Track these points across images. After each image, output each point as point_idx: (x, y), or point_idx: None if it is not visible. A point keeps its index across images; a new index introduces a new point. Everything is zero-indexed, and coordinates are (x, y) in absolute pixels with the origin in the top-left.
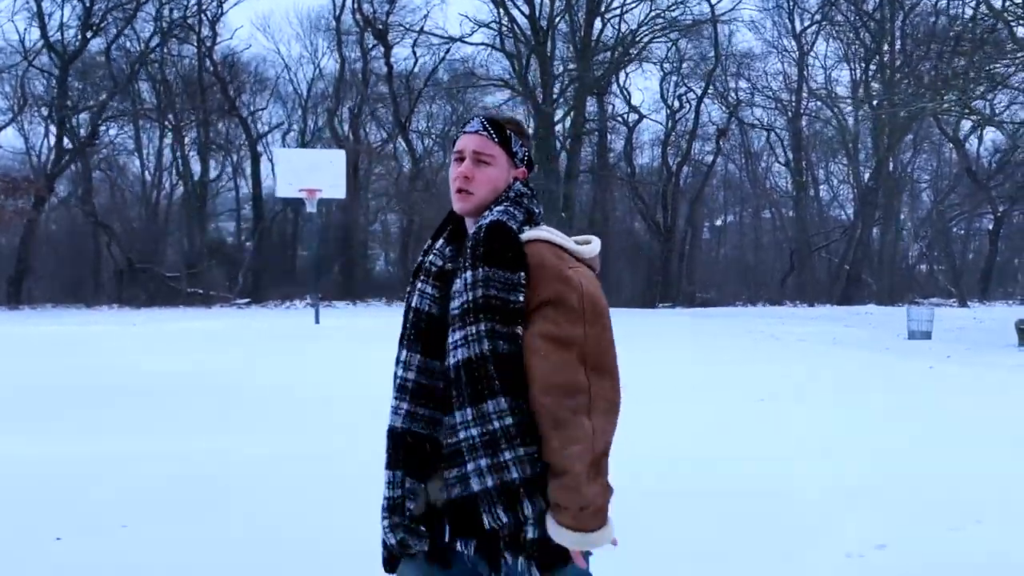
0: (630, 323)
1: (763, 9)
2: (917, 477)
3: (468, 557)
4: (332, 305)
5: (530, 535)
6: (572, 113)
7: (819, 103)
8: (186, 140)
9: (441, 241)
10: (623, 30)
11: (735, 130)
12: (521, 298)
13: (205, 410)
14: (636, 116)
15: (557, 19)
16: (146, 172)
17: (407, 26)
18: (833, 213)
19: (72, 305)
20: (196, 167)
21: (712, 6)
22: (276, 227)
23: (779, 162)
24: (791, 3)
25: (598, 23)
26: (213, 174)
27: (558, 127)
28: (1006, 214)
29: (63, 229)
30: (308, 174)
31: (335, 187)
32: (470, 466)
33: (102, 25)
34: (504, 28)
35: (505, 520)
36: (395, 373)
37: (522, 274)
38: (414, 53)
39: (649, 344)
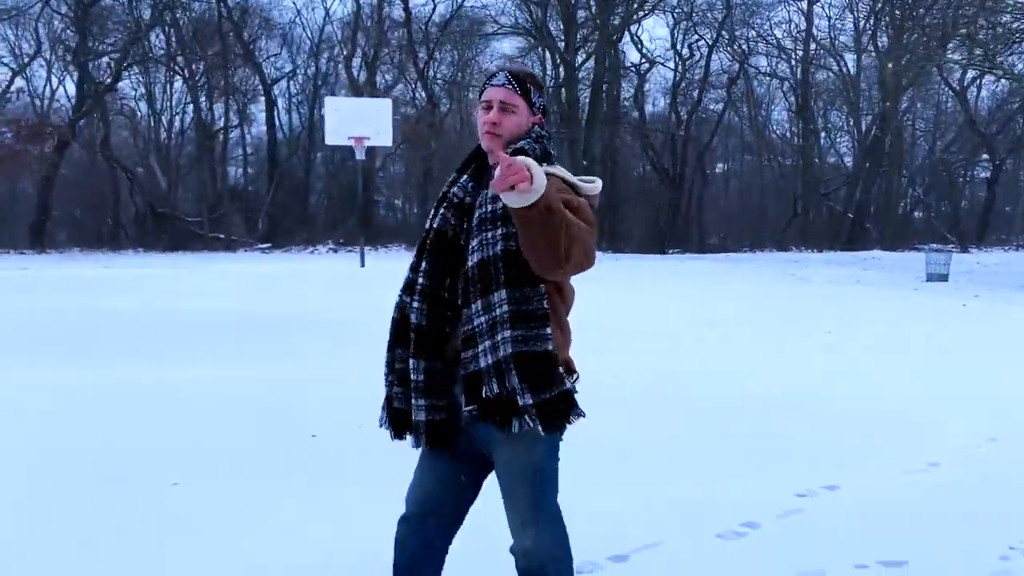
0: (660, 268)
1: None
2: (999, 398)
3: (478, 424)
4: (353, 250)
5: (523, 402)
6: (594, 61)
7: (823, 51)
8: (200, 85)
9: (465, 176)
10: None
11: (741, 79)
12: None
13: (317, 343)
14: (647, 64)
15: None
16: (161, 118)
17: None
18: (830, 160)
19: (97, 250)
20: (212, 113)
21: None
22: (289, 173)
23: (789, 111)
24: None
25: None
26: (229, 119)
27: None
28: (1003, 163)
29: (80, 175)
30: (357, 122)
31: (382, 135)
32: (479, 347)
33: None
34: None
35: (496, 391)
36: (410, 279)
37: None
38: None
39: (701, 287)
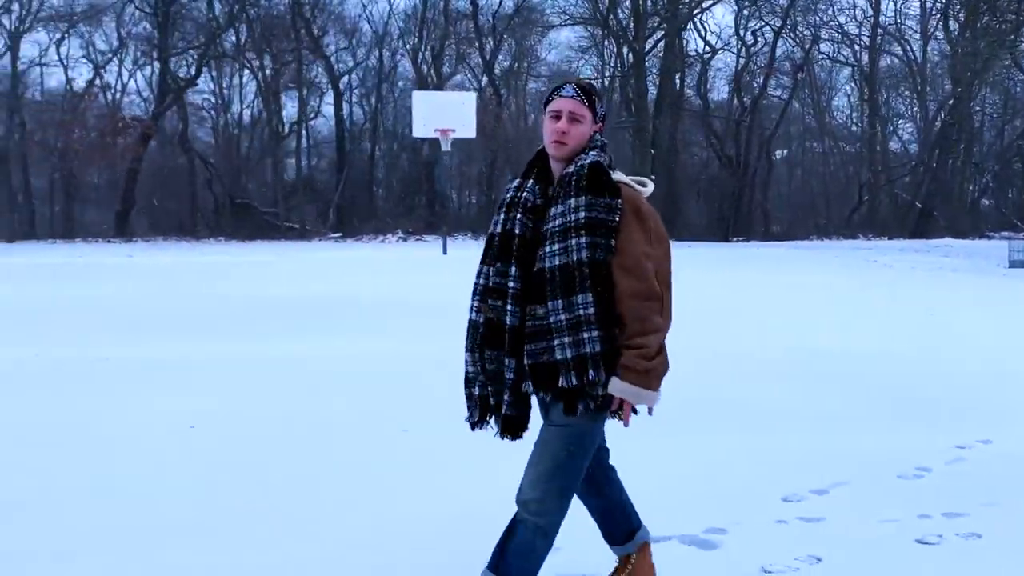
0: (737, 256)
1: None
2: None
3: (546, 402)
4: (424, 239)
5: (599, 392)
6: (664, 50)
7: (889, 37)
8: (270, 79)
9: (531, 181)
10: None
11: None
12: (617, 218)
13: (432, 322)
14: (710, 52)
15: None
16: (230, 112)
17: None
18: (893, 147)
19: (179, 238)
20: (283, 106)
21: None
22: (356, 164)
23: (855, 98)
24: None
25: None
26: (294, 112)
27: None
28: None
29: (159, 166)
30: (442, 115)
31: (466, 127)
32: (555, 341)
33: None
34: None
35: (575, 383)
36: (498, 284)
37: (619, 200)
38: None
39: (794, 274)
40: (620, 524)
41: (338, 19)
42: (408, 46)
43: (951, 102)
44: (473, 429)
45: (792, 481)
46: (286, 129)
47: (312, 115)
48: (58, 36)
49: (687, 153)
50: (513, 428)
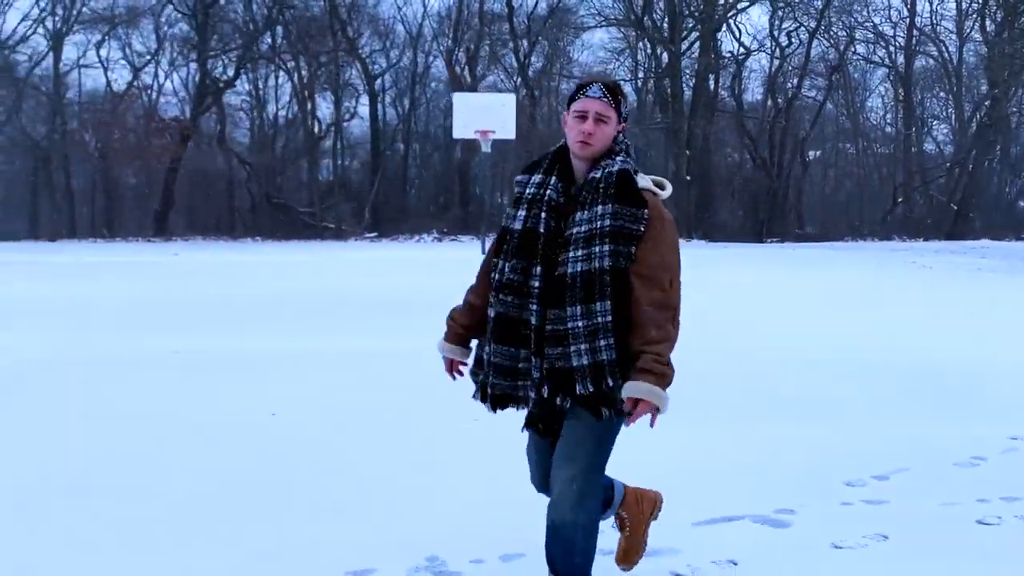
0: (776, 256)
1: None
2: None
3: (564, 409)
4: (458, 239)
5: (614, 395)
6: (699, 52)
7: (924, 38)
8: (306, 81)
9: (553, 179)
10: None
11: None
12: (642, 228)
13: None
14: (744, 52)
15: None
16: (265, 113)
17: None
18: (927, 148)
19: (216, 238)
20: (315, 107)
21: None
22: (390, 164)
23: (893, 99)
24: None
25: None
26: (328, 113)
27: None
28: None
29: (196, 167)
30: (482, 116)
31: (506, 129)
32: (572, 348)
33: None
34: None
35: (591, 389)
36: (519, 281)
37: (646, 211)
38: None
39: (835, 274)
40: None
41: (372, 20)
42: (442, 48)
43: (987, 103)
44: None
45: (852, 468)
46: (322, 130)
47: (348, 116)
48: (98, 38)
49: (721, 154)
50: (542, 424)
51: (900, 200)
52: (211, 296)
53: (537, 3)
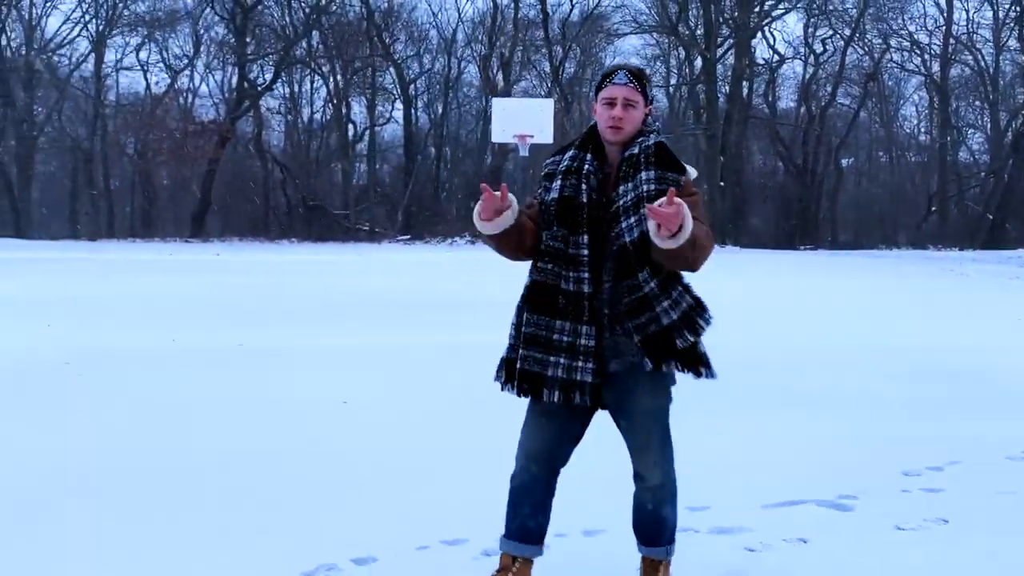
0: (813, 263)
1: None
2: None
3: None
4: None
5: (702, 349)
6: (734, 58)
7: (960, 46)
8: (341, 85)
9: (588, 155)
10: None
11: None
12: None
13: None
14: (778, 59)
15: None
16: (300, 116)
17: None
18: (963, 158)
19: (252, 239)
20: (353, 111)
21: None
22: (423, 168)
23: (928, 108)
24: None
25: None
26: (362, 117)
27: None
28: None
29: (232, 169)
30: (521, 121)
31: (544, 133)
32: (658, 308)
33: None
34: None
35: (691, 339)
36: (562, 249)
37: (684, 177)
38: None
39: (882, 281)
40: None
41: (407, 26)
42: (476, 53)
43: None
44: (502, 389)
45: (909, 459)
46: (357, 133)
47: (384, 120)
48: (138, 40)
49: (753, 160)
50: (594, 396)
51: (934, 209)
52: (262, 294)
53: (572, 9)
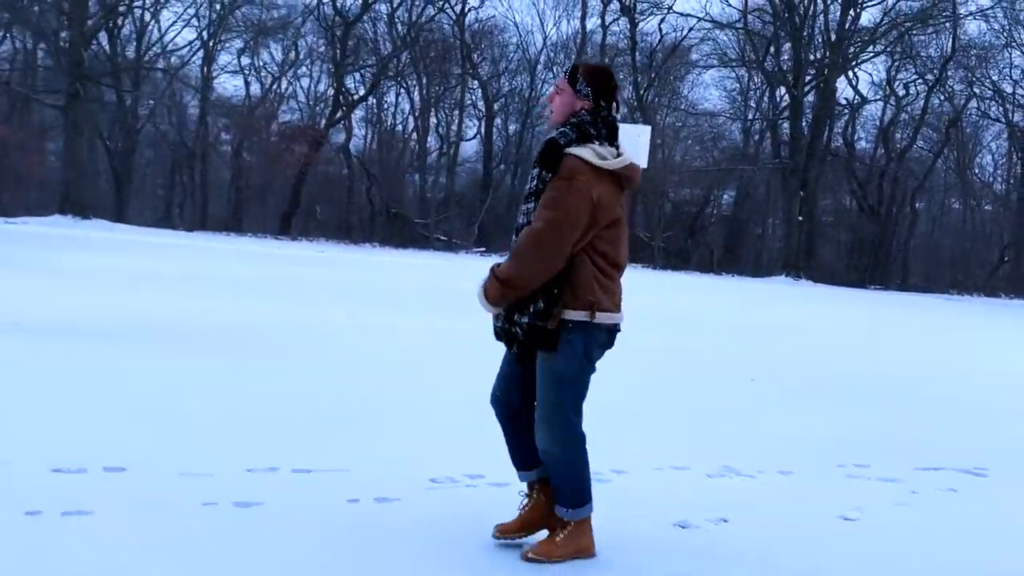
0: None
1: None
2: None
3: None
4: None
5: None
6: (817, 98)
7: None
8: (429, 99)
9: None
10: (864, 20)
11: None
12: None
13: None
14: (860, 100)
15: (811, 4)
16: (386, 125)
17: (656, 2)
18: None
19: (339, 241)
20: (439, 124)
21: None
22: (501, 184)
23: (1007, 157)
24: None
25: (851, 12)
26: (446, 130)
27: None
28: None
29: (321, 173)
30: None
31: (640, 157)
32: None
33: None
34: (754, 13)
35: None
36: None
37: (551, 175)
38: (660, 30)
39: (997, 329)
40: (532, 456)
41: (494, 46)
42: (557, 76)
43: None
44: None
45: None
46: (447, 146)
47: (467, 136)
48: (241, 45)
49: (830, 198)
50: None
51: (1008, 259)
52: (382, 284)
53: (661, 39)
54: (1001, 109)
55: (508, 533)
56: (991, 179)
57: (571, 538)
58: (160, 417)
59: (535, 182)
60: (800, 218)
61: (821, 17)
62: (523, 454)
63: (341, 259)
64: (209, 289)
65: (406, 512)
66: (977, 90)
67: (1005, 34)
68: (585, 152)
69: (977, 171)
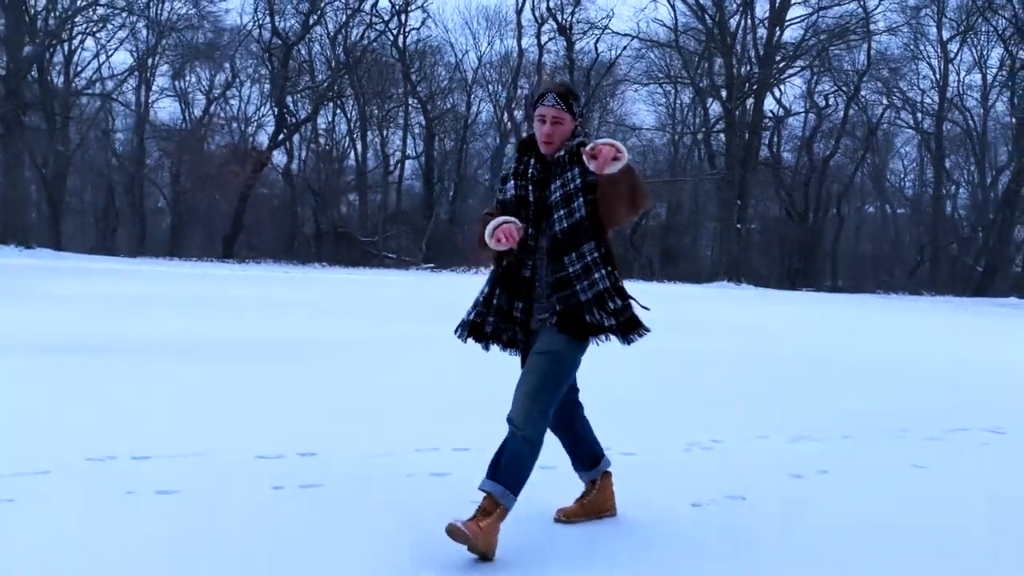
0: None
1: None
2: None
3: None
4: None
5: (608, 323)
6: (752, 112)
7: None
8: (371, 119)
9: (531, 159)
10: (788, 36)
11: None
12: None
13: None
14: (783, 113)
15: (740, 22)
16: (329, 146)
17: (592, 22)
18: (954, 209)
19: (285, 262)
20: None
21: (867, 14)
22: (442, 202)
23: (918, 162)
24: (938, 10)
25: (777, 29)
26: (388, 150)
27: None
28: None
29: (263, 193)
30: None
31: None
32: (577, 287)
33: (322, 17)
34: (684, 31)
35: (598, 317)
36: (528, 242)
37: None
38: (596, 49)
39: (946, 324)
40: (587, 454)
41: (435, 66)
42: (491, 94)
43: (1012, 167)
44: (464, 341)
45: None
46: (390, 165)
47: (413, 155)
48: (176, 68)
49: (757, 207)
50: (522, 350)
51: (925, 260)
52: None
53: (597, 58)
54: (911, 117)
55: (572, 516)
56: (901, 183)
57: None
58: (249, 411)
59: (577, 180)
60: (739, 226)
61: (750, 35)
62: (587, 451)
63: (321, 279)
64: (231, 308)
65: (459, 486)
66: (886, 100)
67: (912, 47)
68: None
69: (890, 176)
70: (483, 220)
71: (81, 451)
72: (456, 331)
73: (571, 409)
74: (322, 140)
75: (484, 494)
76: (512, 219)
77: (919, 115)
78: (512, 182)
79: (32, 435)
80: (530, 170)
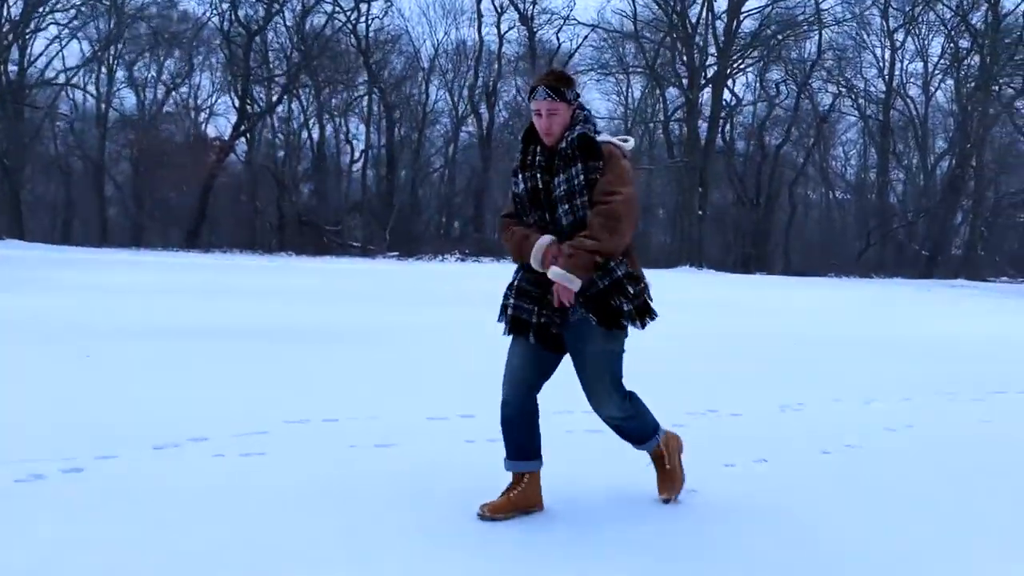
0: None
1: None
2: None
3: (578, 320)
4: (480, 260)
5: (627, 308)
6: (711, 100)
7: (898, 95)
8: (332, 106)
9: (537, 147)
10: (746, 27)
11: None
12: (602, 173)
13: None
14: (735, 101)
15: (702, 13)
16: (291, 135)
17: (554, 12)
18: (894, 197)
19: (249, 251)
20: (343, 131)
21: (818, 5)
22: (406, 190)
23: (864, 148)
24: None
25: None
26: (351, 138)
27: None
28: None
29: (227, 183)
30: None
31: None
32: (594, 275)
33: (284, 5)
34: (645, 21)
35: (618, 304)
36: (540, 227)
37: (601, 162)
38: (557, 39)
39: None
40: (534, 444)
41: (394, 54)
42: (461, 83)
43: (956, 152)
44: (507, 335)
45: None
46: (353, 154)
47: (374, 145)
48: (137, 56)
49: (717, 192)
50: (541, 335)
51: (873, 243)
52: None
53: (559, 47)
54: (855, 105)
55: (497, 511)
56: (843, 169)
57: (674, 464)
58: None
59: (580, 177)
60: (700, 212)
61: (709, 26)
62: (536, 442)
63: (332, 270)
64: (246, 297)
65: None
66: (834, 89)
67: (858, 38)
68: (610, 138)
69: (834, 163)
70: (505, 225)
71: (281, 415)
72: (499, 318)
73: (535, 397)
74: (280, 129)
75: (649, 459)
76: (554, 240)
77: (863, 102)
78: (521, 175)
79: (241, 403)
80: (537, 158)
